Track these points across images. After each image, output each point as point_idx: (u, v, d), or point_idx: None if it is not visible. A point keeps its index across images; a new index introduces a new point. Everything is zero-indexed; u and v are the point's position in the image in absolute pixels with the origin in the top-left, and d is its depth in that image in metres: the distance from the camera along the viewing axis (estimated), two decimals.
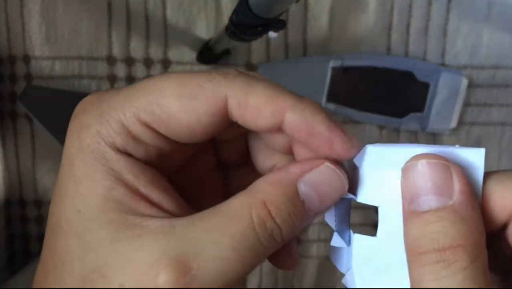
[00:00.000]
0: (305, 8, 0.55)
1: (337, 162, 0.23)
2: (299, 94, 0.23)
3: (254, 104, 0.22)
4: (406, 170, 0.20)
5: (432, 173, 0.20)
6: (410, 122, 0.55)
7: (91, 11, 0.55)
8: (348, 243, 0.23)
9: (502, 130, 0.57)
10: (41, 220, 0.59)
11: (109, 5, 0.55)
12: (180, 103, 0.21)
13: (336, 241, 0.23)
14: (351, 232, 0.23)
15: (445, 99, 0.54)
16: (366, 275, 0.22)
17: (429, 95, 0.54)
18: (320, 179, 0.22)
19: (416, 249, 0.19)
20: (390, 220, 0.21)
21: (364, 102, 0.55)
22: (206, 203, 0.27)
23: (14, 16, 0.55)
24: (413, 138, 0.57)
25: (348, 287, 0.23)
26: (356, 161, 0.23)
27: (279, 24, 0.41)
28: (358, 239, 0.22)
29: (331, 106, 0.55)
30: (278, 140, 0.24)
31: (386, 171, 0.22)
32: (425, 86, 0.54)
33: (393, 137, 0.57)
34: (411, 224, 0.20)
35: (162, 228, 0.21)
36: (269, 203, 0.21)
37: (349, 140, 0.22)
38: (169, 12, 0.55)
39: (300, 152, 0.24)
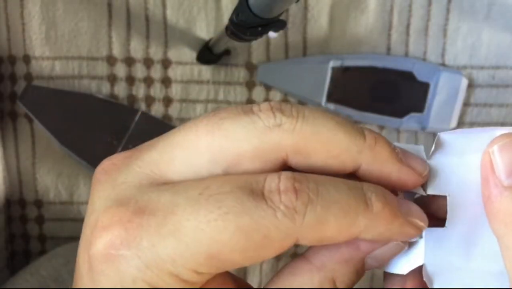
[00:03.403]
0: (305, 8, 0.55)
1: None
2: (373, 199, 0.20)
3: (326, 239, 0.20)
4: (501, 149, 0.21)
5: None
6: (410, 122, 0.55)
7: (91, 11, 0.55)
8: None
9: None
10: (41, 219, 0.59)
11: (109, 5, 0.55)
12: (245, 256, 0.19)
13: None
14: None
15: (445, 99, 0.54)
16: (439, 267, 0.22)
17: (429, 95, 0.54)
18: (387, 255, 0.22)
19: None
20: (462, 206, 0.22)
21: (364, 102, 0.55)
22: None
23: (14, 16, 0.55)
24: (413, 138, 0.57)
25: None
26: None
27: (279, 24, 0.41)
28: (429, 232, 0.22)
29: (331, 106, 0.55)
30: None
31: (460, 157, 0.22)
32: (425, 86, 0.54)
33: (393, 137, 0.57)
34: (509, 198, 0.21)
35: None
36: (339, 283, 0.21)
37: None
38: (169, 12, 0.55)
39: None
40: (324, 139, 0.20)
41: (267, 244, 0.19)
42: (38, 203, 0.58)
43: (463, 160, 0.22)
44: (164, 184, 0.20)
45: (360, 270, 0.21)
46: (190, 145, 0.20)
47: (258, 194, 0.19)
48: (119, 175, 0.20)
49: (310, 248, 0.22)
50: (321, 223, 0.19)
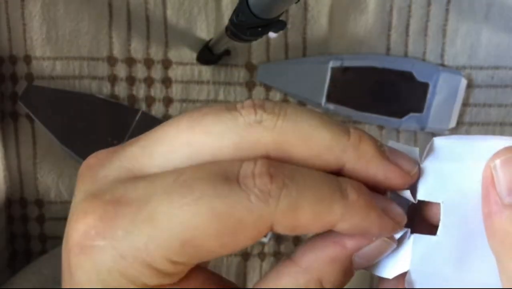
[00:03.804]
0: (305, 8, 0.55)
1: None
2: (350, 191, 0.20)
3: (302, 226, 0.19)
4: (503, 164, 0.20)
5: None
6: (409, 122, 0.55)
7: (91, 12, 0.55)
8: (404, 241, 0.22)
9: (501, 131, 0.57)
10: (42, 219, 0.59)
11: (110, 5, 0.55)
12: (220, 242, 0.18)
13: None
14: (408, 232, 0.22)
15: (444, 100, 0.55)
16: (424, 275, 0.21)
17: (428, 96, 0.55)
18: (375, 253, 0.21)
19: None
20: (458, 216, 0.21)
21: (363, 102, 0.56)
22: None
23: (15, 17, 0.55)
24: (413, 138, 0.57)
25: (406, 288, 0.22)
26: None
27: (279, 24, 0.41)
28: (418, 239, 0.22)
29: (331, 106, 0.55)
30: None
31: (456, 164, 0.21)
32: (424, 87, 0.55)
33: (393, 137, 0.57)
34: (510, 218, 0.20)
35: None
36: (326, 283, 0.20)
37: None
38: (169, 13, 0.55)
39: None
40: (306, 137, 0.20)
41: (242, 229, 0.18)
42: (39, 203, 0.58)
43: (461, 167, 0.21)
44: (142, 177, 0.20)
45: (348, 270, 0.21)
46: (170, 139, 0.20)
47: (232, 179, 0.19)
48: (100, 170, 0.20)
49: (296, 249, 0.21)
50: (295, 208, 0.19)
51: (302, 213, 0.19)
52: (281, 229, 0.19)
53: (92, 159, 0.21)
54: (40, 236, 0.59)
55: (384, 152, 0.21)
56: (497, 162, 0.20)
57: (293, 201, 0.19)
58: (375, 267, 0.22)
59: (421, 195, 0.22)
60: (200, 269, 0.21)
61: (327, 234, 0.21)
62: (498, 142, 0.20)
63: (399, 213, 0.21)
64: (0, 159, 0.56)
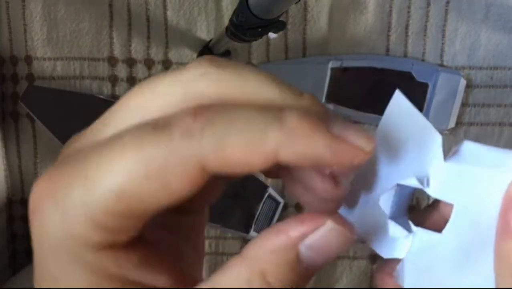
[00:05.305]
0: (305, 9, 0.56)
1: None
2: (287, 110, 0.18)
3: (236, 162, 0.18)
4: None
5: None
6: None
7: (92, 12, 0.55)
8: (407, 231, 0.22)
9: (500, 131, 0.57)
10: None
11: (110, 6, 0.55)
12: (151, 188, 0.18)
13: (395, 230, 0.22)
14: (411, 223, 0.22)
15: (443, 100, 0.55)
16: (418, 271, 0.21)
17: (428, 96, 0.55)
18: (323, 242, 0.19)
19: None
20: (469, 220, 0.21)
21: (363, 102, 0.56)
22: None
23: (16, 17, 0.55)
24: None
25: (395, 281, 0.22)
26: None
27: (278, 25, 0.41)
28: (421, 232, 0.22)
29: (330, 106, 0.56)
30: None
31: (479, 170, 0.21)
32: (423, 87, 0.55)
33: None
34: None
35: None
36: (269, 275, 0.19)
37: (359, 151, 0.19)
38: (169, 13, 0.56)
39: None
40: (253, 91, 0.19)
41: (169, 171, 0.18)
42: None
43: (483, 175, 0.21)
44: None
45: (294, 263, 0.19)
46: (126, 107, 0.20)
47: (160, 125, 0.18)
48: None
49: (246, 245, 0.20)
50: (223, 139, 0.18)
51: (232, 146, 0.18)
52: (215, 168, 0.18)
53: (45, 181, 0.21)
54: None
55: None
56: None
57: (219, 136, 0.18)
58: (374, 242, 0.22)
59: (437, 194, 0.22)
60: (144, 243, 0.20)
61: (275, 224, 0.20)
62: None
63: (362, 135, 0.19)
64: (1, 158, 0.56)
